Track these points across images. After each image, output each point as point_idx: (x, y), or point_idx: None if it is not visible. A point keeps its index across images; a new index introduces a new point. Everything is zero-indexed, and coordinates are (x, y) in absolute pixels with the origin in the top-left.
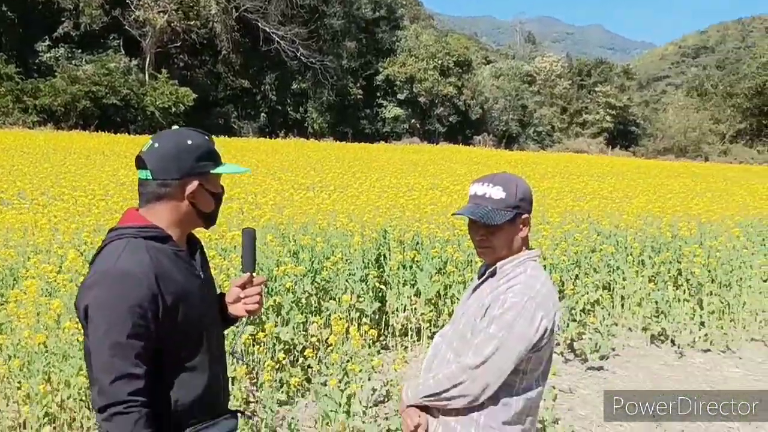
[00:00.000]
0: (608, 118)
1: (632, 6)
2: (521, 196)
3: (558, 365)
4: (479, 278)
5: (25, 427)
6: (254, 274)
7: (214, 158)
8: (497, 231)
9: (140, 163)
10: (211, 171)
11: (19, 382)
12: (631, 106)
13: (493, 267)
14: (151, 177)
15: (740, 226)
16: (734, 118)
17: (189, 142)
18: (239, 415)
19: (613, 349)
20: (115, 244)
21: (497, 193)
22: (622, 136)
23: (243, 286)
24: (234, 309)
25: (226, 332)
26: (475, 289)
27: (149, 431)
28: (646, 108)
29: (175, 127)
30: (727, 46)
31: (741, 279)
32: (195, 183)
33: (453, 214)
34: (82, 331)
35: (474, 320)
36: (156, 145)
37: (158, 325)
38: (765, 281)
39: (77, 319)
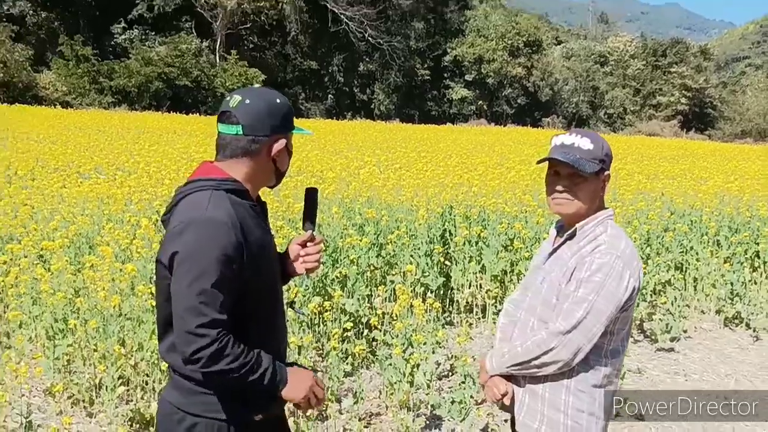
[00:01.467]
0: (683, 100)
1: None
2: (607, 152)
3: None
4: (554, 241)
5: (100, 388)
6: (315, 233)
7: (292, 119)
8: (582, 182)
9: (229, 118)
10: (293, 131)
11: (96, 344)
12: (708, 88)
13: (572, 229)
14: (242, 132)
15: None
16: None
17: (278, 101)
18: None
19: (685, 331)
20: (199, 195)
21: (585, 143)
22: (698, 118)
23: (303, 245)
24: (293, 266)
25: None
26: (552, 253)
27: (241, 349)
28: (723, 90)
29: (257, 85)
30: None
31: None
32: (282, 141)
33: (539, 161)
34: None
35: (559, 285)
36: (247, 101)
37: (242, 275)
38: None
39: (152, 280)
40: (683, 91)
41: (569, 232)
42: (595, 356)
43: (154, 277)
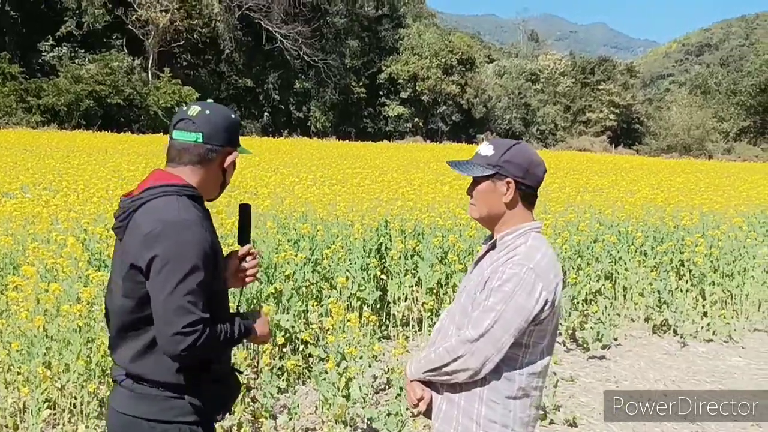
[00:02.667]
0: (612, 116)
1: (635, 4)
2: (508, 158)
3: (560, 354)
4: (482, 251)
5: (25, 411)
6: (252, 248)
7: (239, 136)
8: (479, 186)
9: (188, 125)
10: (240, 147)
11: (20, 367)
12: (635, 104)
13: (494, 239)
14: (201, 140)
15: (743, 216)
16: (738, 116)
17: (233, 116)
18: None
19: (615, 339)
20: (164, 199)
21: (487, 150)
22: (626, 134)
23: (241, 259)
24: (231, 280)
25: None
26: (477, 263)
27: (218, 330)
28: (649, 106)
29: (210, 100)
30: (731, 43)
31: (744, 269)
32: (235, 154)
33: (447, 162)
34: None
35: (474, 293)
36: (207, 112)
37: (213, 276)
38: (767, 271)
39: (81, 298)
40: (611, 108)
41: (491, 242)
42: (508, 367)
43: (111, 283)
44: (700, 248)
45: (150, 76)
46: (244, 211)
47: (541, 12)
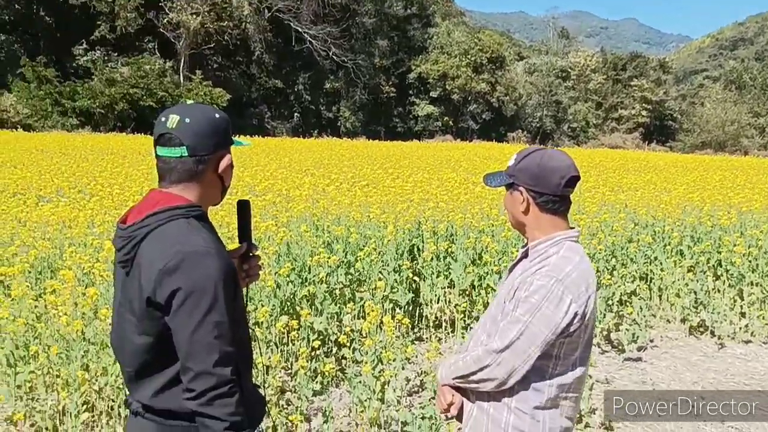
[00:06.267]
0: (644, 112)
1: None
2: (521, 167)
3: (594, 356)
4: (517, 258)
5: (64, 414)
6: (255, 246)
7: (230, 132)
8: (506, 196)
9: (171, 140)
10: (234, 144)
11: (59, 370)
12: (668, 101)
13: (526, 247)
14: (187, 153)
15: None
16: None
17: (217, 116)
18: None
19: (651, 341)
20: (172, 225)
21: (511, 160)
22: (659, 131)
23: (242, 258)
24: None
25: None
26: (511, 270)
27: (243, 409)
28: (683, 102)
29: (189, 101)
30: (766, 37)
31: None
32: (228, 157)
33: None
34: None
35: (503, 302)
36: (187, 120)
37: (236, 299)
38: None
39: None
40: (644, 104)
41: (524, 250)
42: (537, 378)
43: (120, 320)
44: (739, 248)
45: (182, 78)
46: (244, 207)
47: (570, 8)
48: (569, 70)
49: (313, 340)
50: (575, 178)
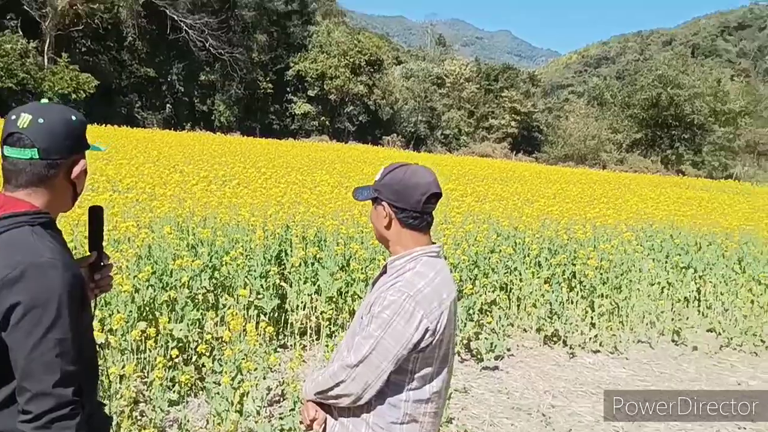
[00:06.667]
0: (513, 123)
1: (539, 14)
2: (385, 182)
3: (454, 365)
4: (378, 273)
5: None
6: (106, 256)
7: (86, 135)
8: (372, 210)
9: (21, 140)
10: (90, 149)
11: None
12: (535, 113)
13: (386, 263)
14: (38, 156)
15: (632, 230)
16: (631, 128)
17: (74, 117)
18: None
19: (509, 350)
20: (15, 233)
21: (377, 175)
22: (526, 141)
23: (92, 269)
24: None
25: None
26: (373, 284)
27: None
28: (549, 115)
29: (44, 101)
30: (627, 57)
31: (631, 282)
32: (83, 162)
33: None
34: None
35: (361, 317)
36: (41, 120)
37: (83, 313)
38: (652, 285)
39: None
40: (513, 115)
41: (384, 265)
42: (393, 393)
43: None
44: (592, 261)
45: (46, 60)
46: (96, 214)
47: (449, 16)
48: (444, 77)
49: (172, 348)
50: (436, 195)
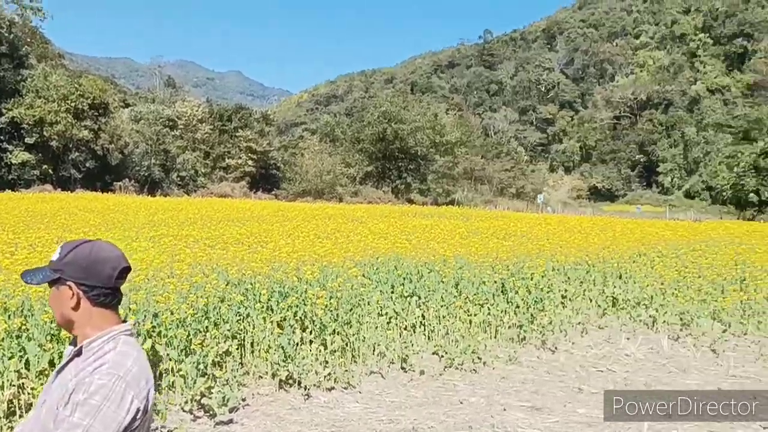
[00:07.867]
0: (250, 162)
1: (268, 55)
2: (69, 260)
3: (187, 424)
4: (65, 358)
5: None
6: None
7: None
8: (52, 293)
9: None
10: None
11: None
12: (272, 151)
13: (79, 346)
14: None
15: (358, 265)
16: (362, 161)
17: None
18: None
19: (244, 399)
20: None
21: (55, 254)
22: (264, 179)
23: None
24: None
25: None
26: (59, 371)
27: None
28: (285, 152)
29: None
30: (354, 95)
31: (360, 315)
32: None
33: (21, 274)
34: None
35: (56, 408)
36: None
37: None
38: (381, 315)
39: None
40: (249, 154)
41: (76, 349)
42: None
43: None
44: (321, 300)
45: None
46: None
47: (176, 57)
48: (176, 119)
49: None
50: (127, 269)
